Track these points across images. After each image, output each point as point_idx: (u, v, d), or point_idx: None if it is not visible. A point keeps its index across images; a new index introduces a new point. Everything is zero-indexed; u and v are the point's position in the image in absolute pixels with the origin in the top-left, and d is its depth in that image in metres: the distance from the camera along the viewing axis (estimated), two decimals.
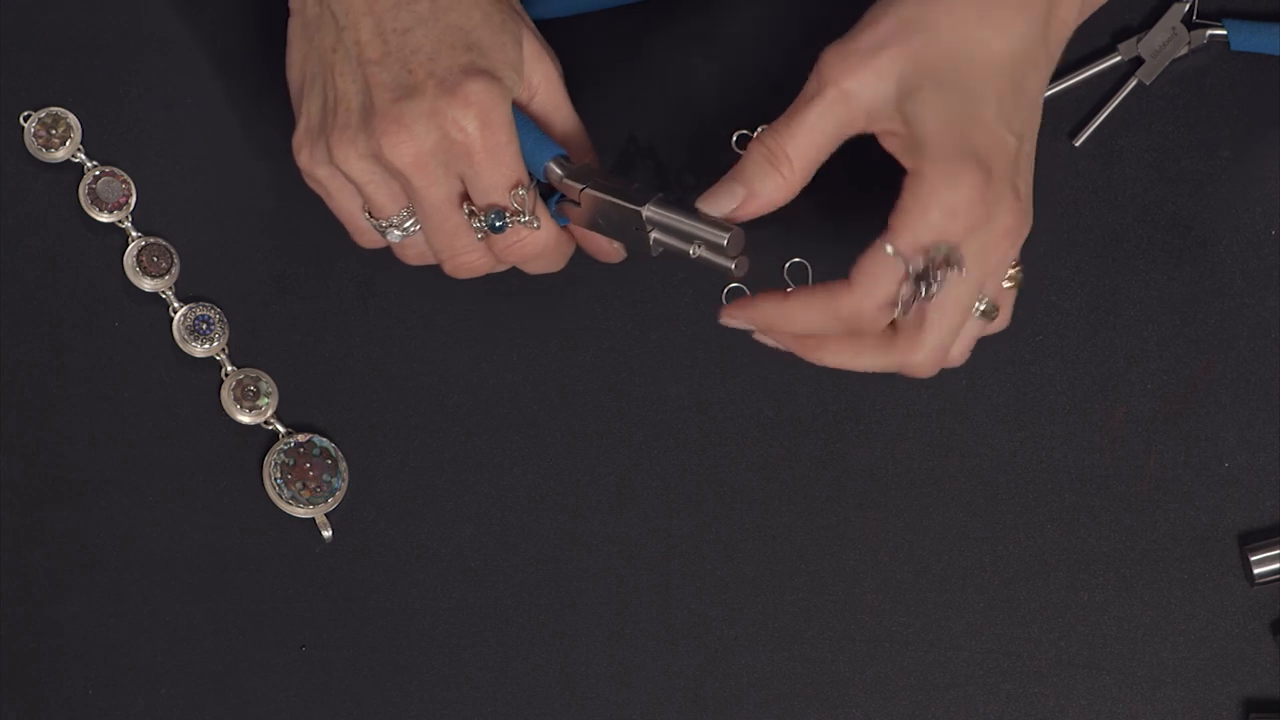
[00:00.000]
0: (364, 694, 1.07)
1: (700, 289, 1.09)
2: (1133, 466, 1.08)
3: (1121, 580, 1.08)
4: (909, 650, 1.07)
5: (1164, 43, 1.11)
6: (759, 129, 1.09)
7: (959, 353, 0.97)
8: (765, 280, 1.07)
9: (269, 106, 1.08)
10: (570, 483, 1.08)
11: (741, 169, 0.94)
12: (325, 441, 1.09)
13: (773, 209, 0.95)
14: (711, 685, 1.07)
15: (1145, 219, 1.10)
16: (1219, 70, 1.11)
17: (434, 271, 1.08)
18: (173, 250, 1.10)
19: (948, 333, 0.94)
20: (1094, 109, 1.11)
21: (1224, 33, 1.10)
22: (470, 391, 1.09)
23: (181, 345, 1.09)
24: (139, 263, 1.09)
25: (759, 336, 0.97)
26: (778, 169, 0.94)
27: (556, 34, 1.11)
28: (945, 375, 1.08)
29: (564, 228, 1.00)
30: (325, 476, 1.08)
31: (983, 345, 1.09)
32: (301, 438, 1.08)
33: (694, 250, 0.95)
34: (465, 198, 0.97)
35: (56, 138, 1.10)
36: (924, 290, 0.92)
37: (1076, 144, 1.10)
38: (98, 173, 1.10)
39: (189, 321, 1.09)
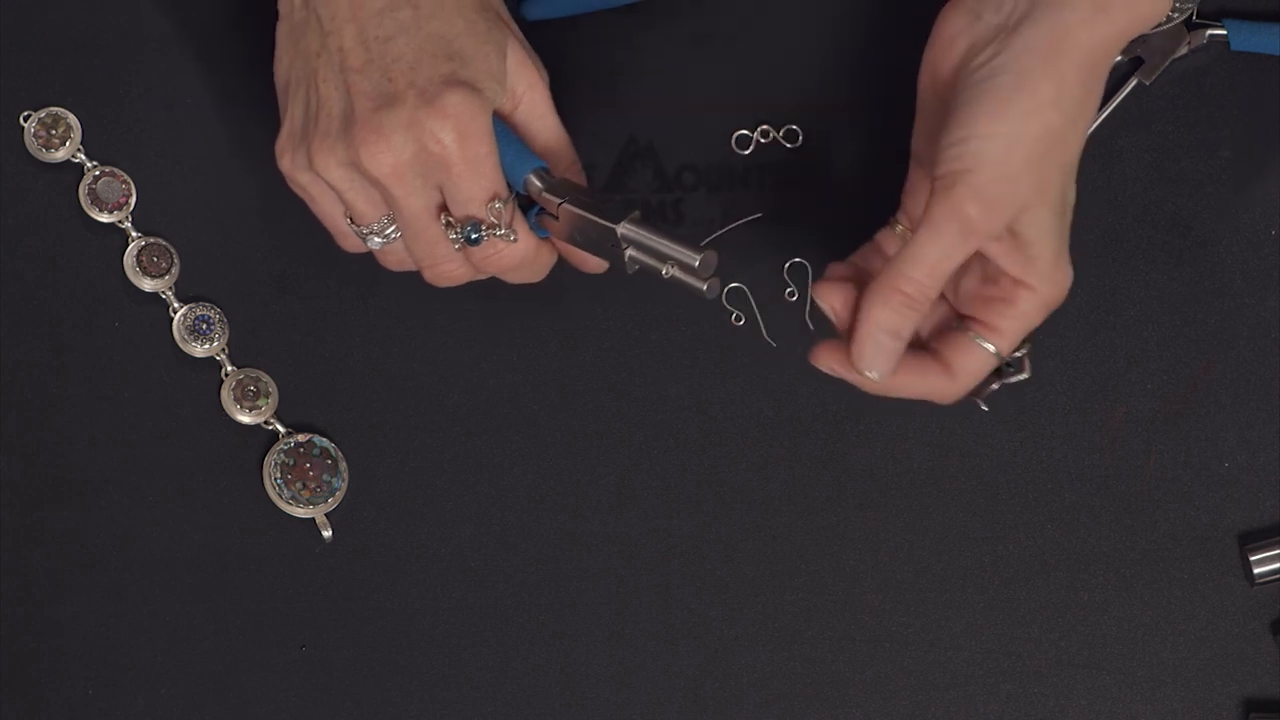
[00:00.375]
0: (364, 694, 1.07)
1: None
2: (1133, 466, 1.08)
3: (1121, 580, 1.08)
4: (909, 650, 1.07)
5: (1164, 43, 1.11)
6: (759, 129, 1.10)
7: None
8: (763, 282, 1.07)
9: (269, 107, 1.08)
10: (570, 483, 1.08)
11: (885, 324, 0.93)
12: (325, 441, 1.09)
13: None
14: (711, 685, 1.07)
15: (1145, 219, 1.10)
16: (1219, 70, 1.11)
17: None
18: (173, 250, 1.10)
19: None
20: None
21: (1224, 33, 1.10)
22: (470, 391, 1.09)
23: (181, 345, 1.09)
24: (139, 263, 1.09)
25: (822, 364, 0.96)
26: (920, 314, 0.94)
27: (556, 34, 1.11)
28: None
29: (544, 240, 1.00)
30: (325, 476, 1.08)
31: None
32: (301, 438, 1.08)
33: (666, 270, 0.95)
34: (444, 208, 0.97)
35: (56, 138, 1.10)
36: (1007, 377, 0.97)
37: None
38: (98, 173, 1.10)
39: (189, 321, 1.09)
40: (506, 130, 0.98)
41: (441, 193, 0.97)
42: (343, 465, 1.08)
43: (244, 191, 1.10)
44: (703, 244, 0.94)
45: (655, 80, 1.11)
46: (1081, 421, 1.08)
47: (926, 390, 0.96)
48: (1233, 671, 1.07)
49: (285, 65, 1.00)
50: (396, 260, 1.01)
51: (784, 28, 1.11)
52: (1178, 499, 1.08)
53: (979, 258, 0.95)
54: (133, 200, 1.10)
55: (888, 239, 0.99)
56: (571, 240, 0.98)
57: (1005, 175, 0.92)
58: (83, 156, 1.10)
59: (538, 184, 0.98)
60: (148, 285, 1.09)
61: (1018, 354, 0.97)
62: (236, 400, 1.09)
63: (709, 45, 1.11)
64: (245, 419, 1.09)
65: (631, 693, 1.07)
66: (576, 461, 1.08)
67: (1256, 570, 1.07)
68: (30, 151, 1.10)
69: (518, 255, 0.99)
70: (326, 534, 1.08)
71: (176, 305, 1.09)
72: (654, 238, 0.95)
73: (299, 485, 1.08)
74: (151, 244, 1.10)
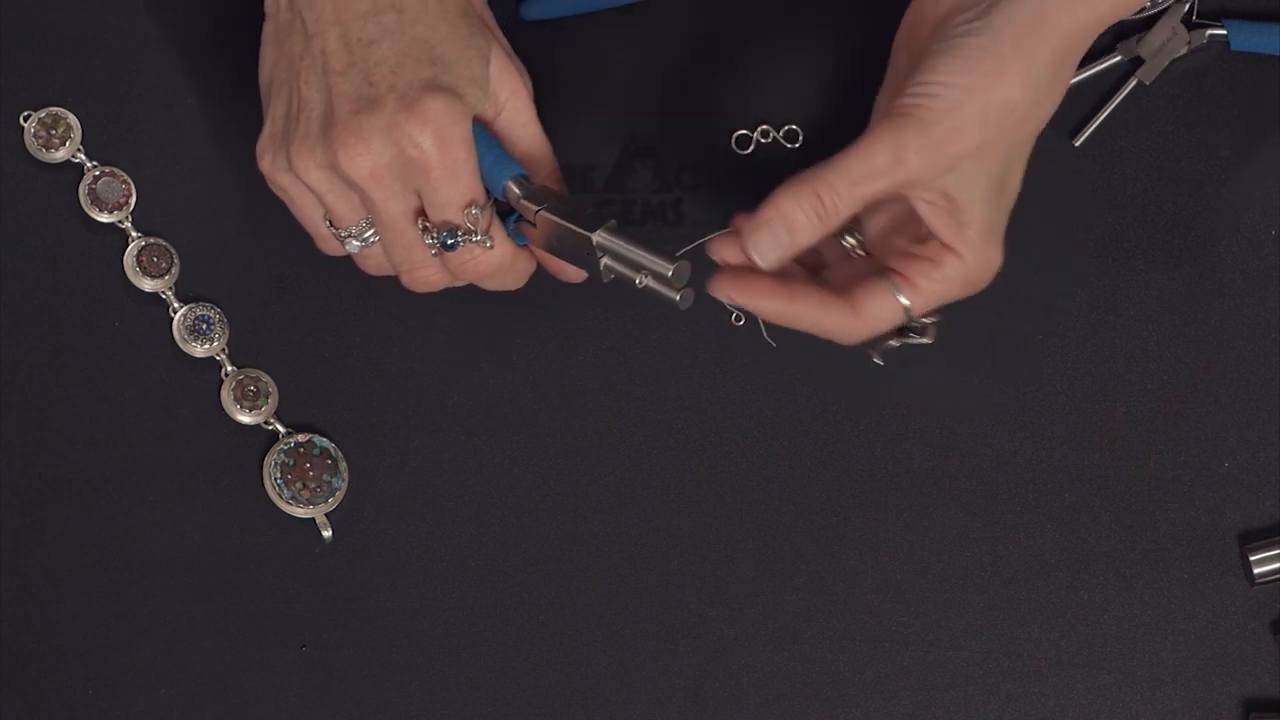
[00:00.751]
0: (364, 694, 1.07)
1: (701, 289, 1.09)
2: (1133, 466, 1.08)
3: (1121, 580, 1.08)
4: (909, 650, 1.07)
5: (1164, 43, 1.11)
6: (759, 129, 1.10)
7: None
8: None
9: None
10: (570, 483, 1.08)
11: (790, 216, 0.94)
12: (325, 441, 1.09)
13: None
14: (711, 685, 1.07)
15: (1145, 219, 1.10)
16: (1219, 70, 1.11)
17: None
18: (173, 250, 1.10)
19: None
20: (1094, 109, 1.11)
21: (1224, 33, 1.10)
22: (470, 391, 1.09)
23: (181, 345, 1.09)
24: (139, 263, 1.09)
25: (717, 292, 0.96)
26: (825, 225, 0.94)
27: (556, 34, 1.11)
28: (945, 375, 1.08)
29: (522, 247, 1.00)
30: (325, 476, 1.08)
31: (983, 345, 1.09)
32: (301, 438, 1.08)
33: (640, 280, 0.95)
34: (422, 213, 0.97)
35: (56, 138, 1.10)
36: (909, 337, 0.97)
37: (1076, 144, 1.10)
38: (98, 173, 1.10)
39: (189, 321, 1.09)
40: (487, 136, 0.98)
41: (420, 197, 0.97)
42: (343, 465, 1.08)
43: (244, 191, 1.10)
44: (678, 254, 0.94)
45: (655, 80, 1.11)
46: (1081, 421, 1.08)
47: (829, 325, 0.95)
48: (1233, 671, 1.07)
49: (269, 66, 1.00)
50: (375, 264, 1.02)
51: (784, 28, 1.11)
52: (1178, 499, 1.08)
53: (913, 217, 0.95)
54: (133, 200, 1.10)
55: (830, 246, 0.99)
56: (549, 248, 0.98)
57: (953, 125, 0.92)
58: (83, 156, 1.10)
59: (516, 191, 0.98)
60: (148, 285, 1.09)
61: (926, 320, 0.97)
62: (236, 400, 1.09)
63: (709, 45, 1.11)
64: (245, 419, 1.09)
65: (631, 693, 1.07)
66: (576, 461, 1.08)
67: (1256, 570, 1.07)
68: (30, 151, 1.10)
69: (494, 262, 0.99)
70: (326, 534, 1.08)
71: (176, 305, 1.09)
72: (629, 247, 0.95)
73: (299, 485, 1.08)
74: (151, 244, 1.10)
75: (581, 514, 1.08)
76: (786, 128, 1.11)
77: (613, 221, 0.96)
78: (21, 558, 1.07)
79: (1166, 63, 1.11)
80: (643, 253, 0.95)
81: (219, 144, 1.10)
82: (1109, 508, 1.08)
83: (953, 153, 0.92)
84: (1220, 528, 1.08)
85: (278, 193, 1.00)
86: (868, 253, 0.98)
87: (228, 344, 1.09)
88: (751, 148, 1.11)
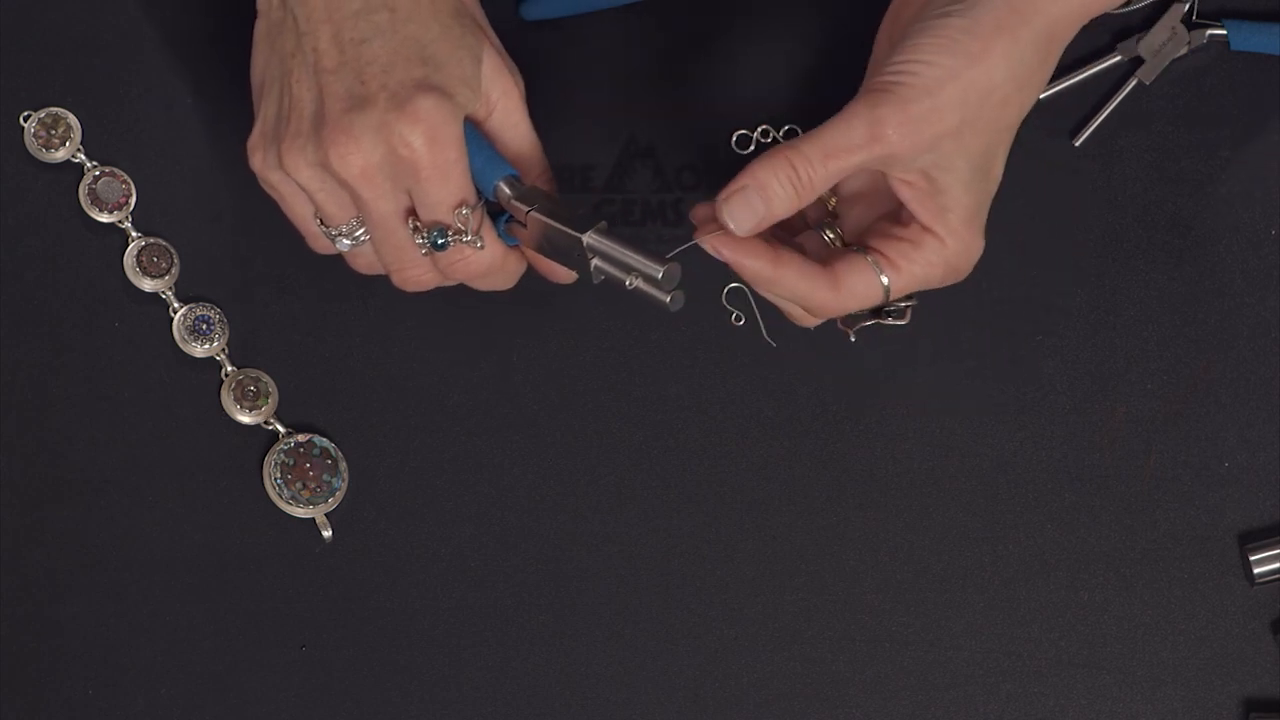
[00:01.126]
0: (364, 694, 1.07)
1: (700, 289, 1.09)
2: (1133, 466, 1.08)
3: (1121, 580, 1.08)
4: (909, 650, 1.07)
5: (1164, 43, 1.11)
6: (759, 129, 1.10)
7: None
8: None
9: None
10: (570, 483, 1.08)
11: (765, 185, 0.94)
12: (325, 441, 1.09)
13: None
14: (711, 685, 1.07)
15: (1145, 219, 1.10)
16: (1219, 70, 1.11)
17: None
18: (173, 250, 1.10)
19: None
20: (1094, 109, 1.11)
21: (1224, 33, 1.10)
22: (470, 391, 1.09)
23: (181, 345, 1.09)
24: (139, 263, 1.09)
25: (704, 243, 0.96)
26: (800, 197, 0.94)
27: (556, 34, 1.11)
28: (946, 375, 1.08)
29: (513, 248, 1.00)
30: (325, 476, 1.08)
31: (983, 345, 1.09)
32: (301, 438, 1.08)
33: (630, 281, 0.95)
34: (413, 212, 0.97)
35: (56, 138, 1.10)
36: (885, 318, 0.98)
37: (1076, 144, 1.10)
38: (98, 173, 1.10)
39: (189, 321, 1.09)
40: (478, 136, 0.98)
41: (410, 197, 0.97)
42: (343, 465, 1.08)
43: (244, 191, 1.10)
44: (668, 256, 0.94)
45: (655, 80, 1.11)
46: (1081, 421, 1.08)
47: (807, 294, 0.95)
48: (1233, 671, 1.07)
49: (261, 64, 1.00)
50: (365, 263, 1.01)
51: (784, 27, 1.11)
52: (1178, 499, 1.08)
53: (893, 205, 0.96)
54: (133, 200, 1.10)
55: (810, 237, 1.00)
56: (540, 249, 0.98)
57: (933, 103, 0.92)
58: (83, 156, 1.10)
59: (507, 191, 0.98)
60: (148, 285, 1.09)
61: (904, 303, 0.97)
62: (236, 400, 1.09)
63: (709, 45, 1.11)
64: (245, 419, 1.09)
65: (631, 693, 1.07)
66: (576, 461, 1.08)
67: (1256, 570, 1.07)
68: (30, 151, 1.10)
69: (484, 262, 0.99)
70: (326, 534, 1.08)
71: (176, 305, 1.09)
72: (619, 248, 0.95)
73: (299, 485, 1.08)
74: (151, 244, 1.10)
75: (581, 514, 1.08)
76: (786, 128, 1.11)
77: (603, 223, 0.96)
78: (21, 558, 1.07)
79: (1166, 63, 1.11)
80: (632, 254, 0.95)
81: (219, 144, 1.10)
82: (1109, 508, 1.08)
83: (932, 131, 0.92)
84: (1220, 528, 1.08)
85: (268, 190, 1.00)
86: (846, 244, 0.99)
87: (228, 344, 1.09)
88: (751, 148, 1.11)
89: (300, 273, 1.10)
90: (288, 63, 0.97)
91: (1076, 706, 1.07)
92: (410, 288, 1.01)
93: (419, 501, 1.08)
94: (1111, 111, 1.11)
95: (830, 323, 0.99)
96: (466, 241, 0.97)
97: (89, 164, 1.10)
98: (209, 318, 1.09)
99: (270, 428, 1.09)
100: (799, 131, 1.10)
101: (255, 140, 0.99)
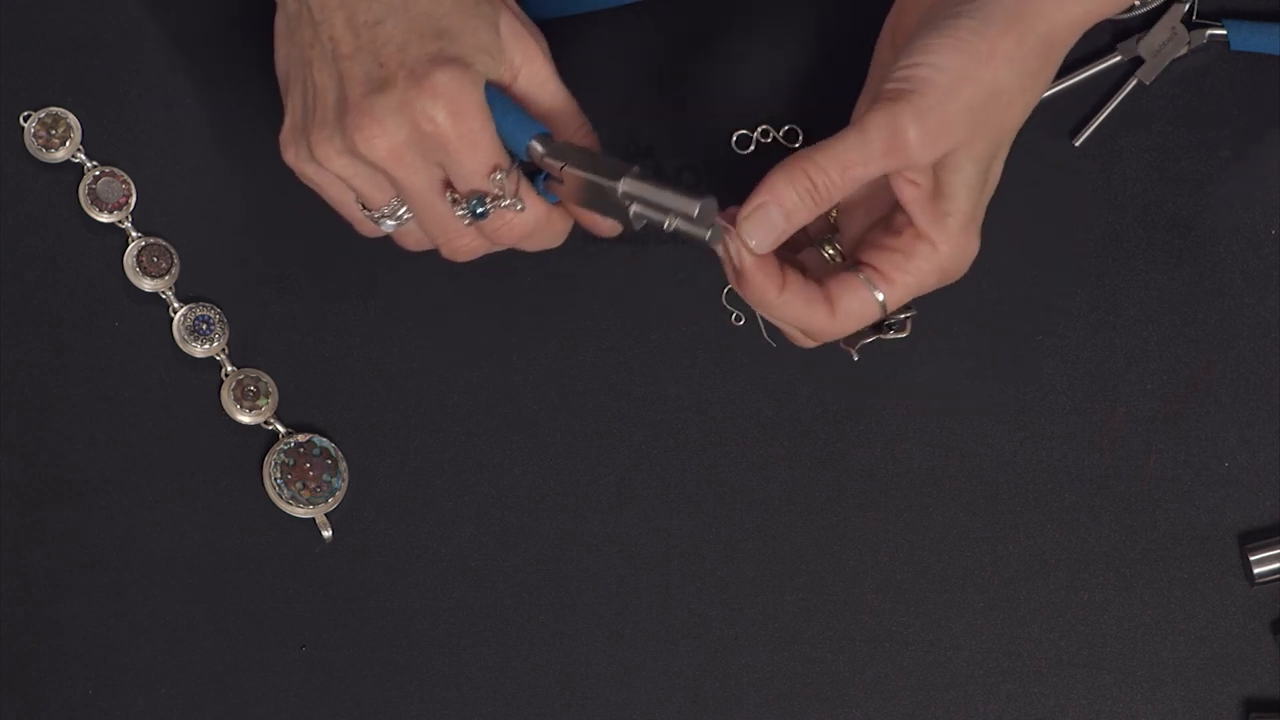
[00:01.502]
0: (364, 694, 1.07)
1: (700, 289, 1.09)
2: (1133, 466, 1.08)
3: (1121, 580, 1.08)
4: (909, 650, 1.07)
5: (1164, 43, 1.11)
6: (759, 129, 1.10)
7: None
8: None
9: (270, 107, 1.08)
10: (570, 483, 1.08)
11: (782, 200, 0.94)
12: (325, 441, 1.09)
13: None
14: (711, 685, 1.07)
15: (1145, 219, 1.10)
16: (1219, 70, 1.11)
17: (433, 272, 1.08)
18: (173, 250, 1.10)
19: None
20: (1094, 109, 1.11)
21: (1224, 33, 1.10)
22: (470, 391, 1.09)
23: (181, 345, 1.09)
24: (139, 263, 1.09)
25: (730, 239, 0.96)
26: (818, 208, 0.94)
27: (556, 34, 1.11)
28: (946, 375, 1.08)
29: (556, 205, 1.00)
30: (325, 476, 1.08)
31: (983, 345, 1.09)
32: (301, 438, 1.08)
33: (669, 222, 0.95)
34: (449, 184, 0.97)
35: (56, 138, 1.10)
36: (885, 333, 0.98)
37: (1076, 144, 1.10)
38: (98, 173, 1.10)
39: (189, 321, 1.09)
40: (504, 99, 0.98)
41: (444, 170, 0.97)
42: (343, 465, 1.08)
43: (244, 191, 1.10)
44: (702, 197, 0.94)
45: (655, 80, 1.11)
46: (1081, 421, 1.08)
47: (807, 319, 0.96)
48: (1233, 671, 1.07)
49: (283, 58, 1.00)
50: (414, 240, 1.02)
51: (784, 27, 1.11)
52: (1178, 499, 1.08)
53: (888, 208, 0.96)
54: (133, 200, 1.10)
55: (809, 255, 1.00)
56: (580, 202, 0.98)
57: (949, 111, 0.92)
58: (83, 156, 1.10)
59: (540, 149, 0.98)
60: (148, 285, 1.09)
61: (902, 315, 0.97)
62: (236, 400, 1.09)
63: (709, 45, 1.11)
64: (245, 419, 1.09)
65: (631, 693, 1.07)
66: (576, 461, 1.08)
67: (1256, 570, 1.07)
68: (30, 151, 1.10)
69: (528, 223, 0.99)
70: (326, 534, 1.08)
71: (176, 305, 1.09)
72: (654, 191, 0.95)
73: (299, 485, 1.08)
74: (151, 244, 1.10)
75: (581, 514, 1.08)
76: (786, 128, 1.11)
77: (636, 168, 0.96)
78: (21, 558, 1.07)
79: (1166, 63, 1.11)
80: (668, 195, 0.94)
81: (219, 144, 1.10)
82: (1109, 508, 1.08)
83: (948, 143, 0.92)
84: (1220, 528, 1.08)
85: (306, 183, 1.00)
86: (844, 259, 0.99)
87: (228, 344, 1.09)
88: (751, 148, 1.11)
89: (300, 273, 1.10)
90: (307, 54, 0.98)
91: (1076, 706, 1.07)
92: (461, 258, 1.00)
93: (419, 501, 1.08)
94: (1111, 111, 1.11)
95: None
96: (506, 206, 0.97)
97: (89, 164, 1.10)
98: (209, 318, 1.09)
99: (270, 428, 1.09)
100: (799, 131, 1.10)
101: (286, 135, 0.99)
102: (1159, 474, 1.08)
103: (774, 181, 0.94)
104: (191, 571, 1.07)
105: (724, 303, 1.05)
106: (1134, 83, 1.11)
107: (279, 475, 1.08)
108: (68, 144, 1.10)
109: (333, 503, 1.08)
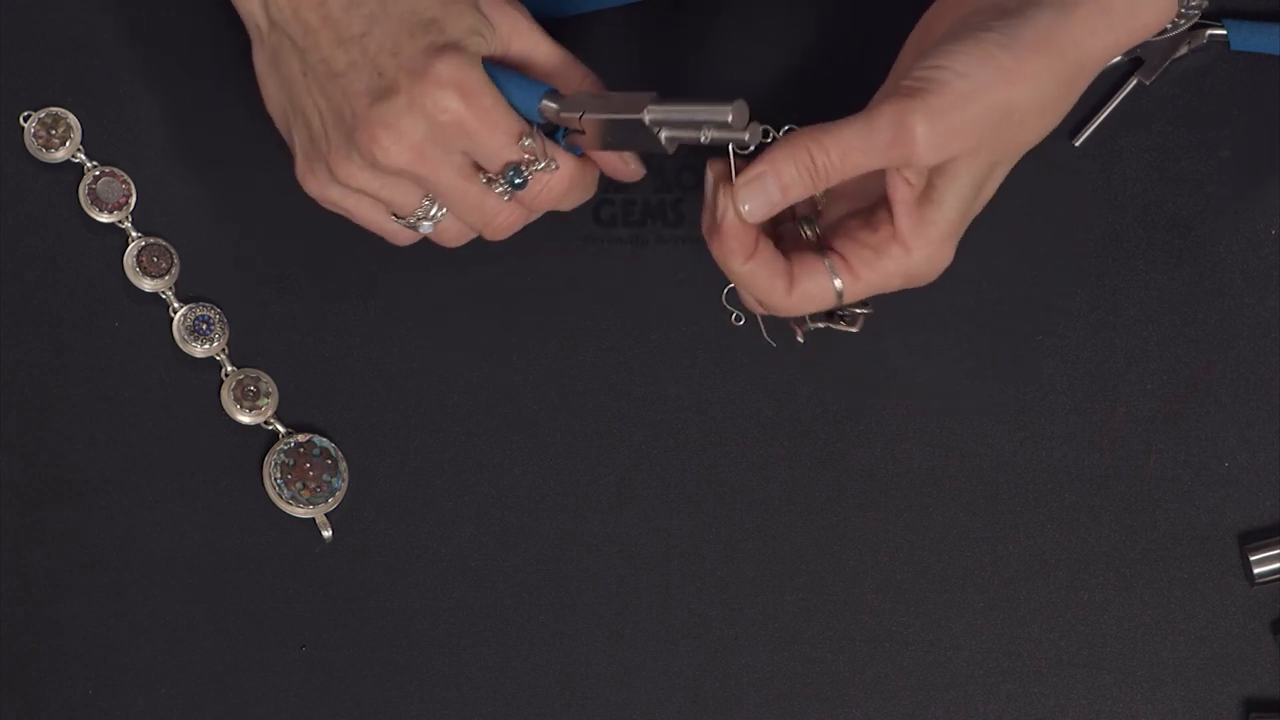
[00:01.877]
0: (364, 694, 1.07)
1: (700, 289, 1.09)
2: (1133, 466, 1.08)
3: (1121, 580, 1.08)
4: (909, 650, 1.07)
5: (1164, 43, 1.10)
6: (785, 129, 1.09)
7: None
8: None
9: None
10: (570, 483, 1.08)
11: (781, 174, 0.94)
12: (325, 441, 1.09)
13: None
14: (711, 685, 1.07)
15: (1145, 219, 1.10)
16: (1219, 70, 1.11)
17: (434, 272, 1.09)
18: (173, 250, 1.10)
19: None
20: (1094, 109, 1.11)
21: (1224, 33, 1.10)
22: (470, 391, 1.09)
23: (181, 345, 1.09)
24: (139, 263, 1.09)
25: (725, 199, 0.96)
26: (815, 187, 0.94)
27: (556, 34, 1.10)
28: (946, 375, 1.08)
29: (581, 157, 1.00)
30: (325, 476, 1.08)
31: (983, 345, 1.09)
32: (301, 438, 1.08)
33: (704, 136, 0.94)
34: (477, 166, 0.98)
35: (56, 138, 1.10)
36: (836, 322, 0.98)
37: (1076, 144, 1.10)
38: (98, 173, 1.10)
39: (189, 321, 1.09)
40: (503, 71, 0.99)
41: (467, 156, 0.97)
42: (343, 465, 1.08)
43: (244, 191, 1.10)
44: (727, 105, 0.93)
45: (655, 80, 1.11)
46: (1081, 421, 1.08)
47: (766, 289, 0.96)
48: (1233, 671, 1.07)
49: (274, 94, 1.01)
50: (454, 234, 1.02)
51: (784, 28, 1.11)
52: (1178, 499, 1.08)
53: (873, 199, 0.96)
54: (133, 200, 1.10)
55: (788, 229, 1.00)
56: (605, 146, 0.98)
57: (961, 118, 0.92)
58: (83, 156, 1.10)
59: (553, 105, 0.98)
60: (148, 285, 1.09)
61: (857, 310, 0.97)
62: (236, 400, 1.09)
63: (709, 45, 1.11)
64: (245, 419, 1.09)
65: (631, 693, 1.07)
66: (576, 461, 1.08)
67: (1256, 570, 1.07)
68: (30, 151, 1.10)
69: (565, 180, 0.99)
70: (326, 534, 1.08)
71: (176, 305, 1.09)
72: (681, 110, 0.95)
73: (299, 485, 1.08)
74: (151, 244, 1.10)
75: (581, 514, 1.08)
76: (786, 127, 1.10)
77: (652, 94, 0.96)
78: (21, 558, 1.07)
79: (1166, 63, 1.11)
80: (696, 109, 0.94)
81: (219, 144, 1.10)
82: (1109, 508, 1.08)
83: (957, 146, 0.92)
84: (1220, 528, 1.08)
85: (332, 209, 1.01)
86: (819, 239, 0.99)
87: (228, 344, 1.09)
88: (751, 148, 1.10)
89: (300, 273, 1.10)
90: (300, 82, 0.98)
91: (1076, 706, 1.07)
92: (503, 235, 1.01)
93: (419, 501, 1.08)
94: (1111, 111, 1.11)
95: (830, 326, 0.99)
96: (541, 169, 0.98)
97: (89, 164, 1.10)
98: (209, 318, 1.09)
99: (270, 428, 1.09)
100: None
101: (302, 167, 1.00)
102: (1159, 474, 1.08)
103: (775, 154, 0.94)
104: (191, 571, 1.07)
105: (724, 303, 1.05)
106: (1134, 83, 1.11)
107: (279, 475, 1.08)
108: (68, 144, 1.10)
109: (333, 503, 1.08)
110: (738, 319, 1.08)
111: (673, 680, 1.07)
